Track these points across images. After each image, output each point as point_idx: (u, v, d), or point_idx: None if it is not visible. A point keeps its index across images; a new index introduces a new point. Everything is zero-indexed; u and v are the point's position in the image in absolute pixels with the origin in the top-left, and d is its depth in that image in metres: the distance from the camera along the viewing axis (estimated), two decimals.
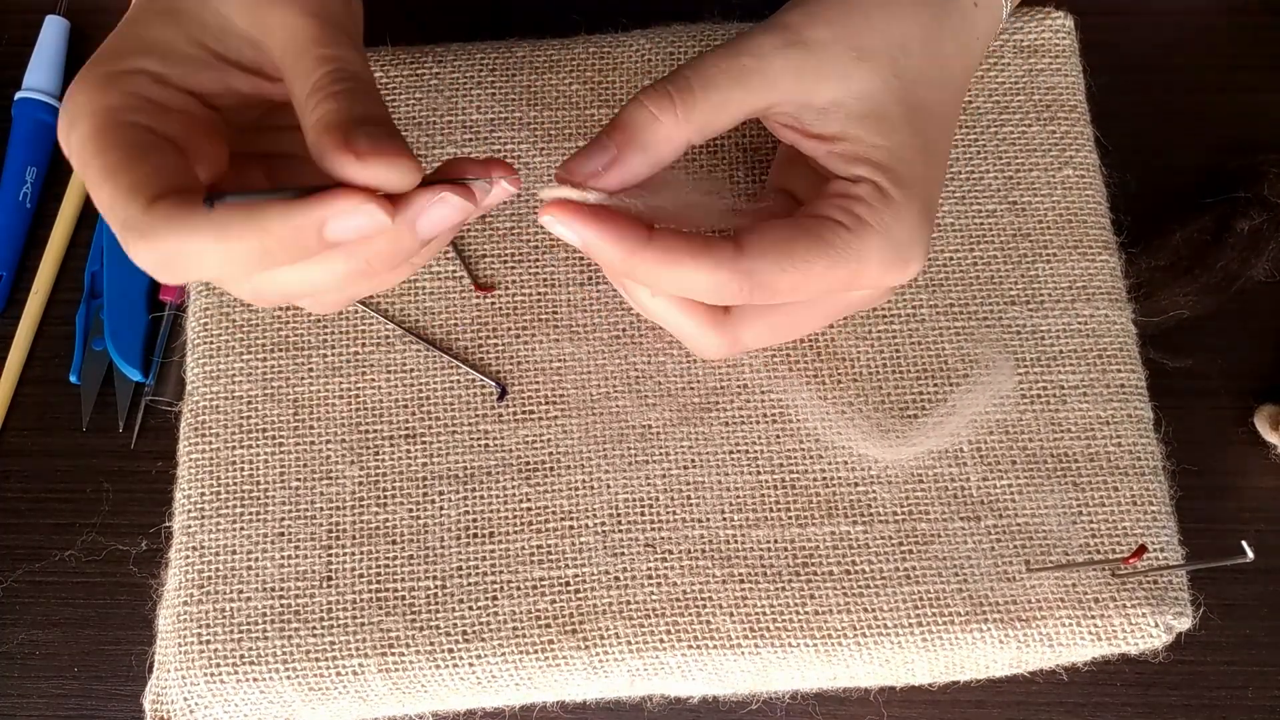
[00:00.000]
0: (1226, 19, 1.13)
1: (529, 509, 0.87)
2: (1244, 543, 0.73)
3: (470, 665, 0.84)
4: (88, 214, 1.10)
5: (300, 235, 0.65)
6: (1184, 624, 0.85)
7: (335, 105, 0.67)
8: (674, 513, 0.87)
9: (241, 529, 0.88)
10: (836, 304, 0.81)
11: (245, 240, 0.64)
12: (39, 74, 1.12)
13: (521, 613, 0.85)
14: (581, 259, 0.92)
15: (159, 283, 1.05)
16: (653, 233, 0.73)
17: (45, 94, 1.11)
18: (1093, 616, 0.84)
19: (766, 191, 0.86)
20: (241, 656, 0.85)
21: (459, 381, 0.90)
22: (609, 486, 0.88)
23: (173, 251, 0.65)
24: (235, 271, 0.67)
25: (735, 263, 0.73)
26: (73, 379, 1.05)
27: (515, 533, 0.87)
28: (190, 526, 0.88)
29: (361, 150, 0.65)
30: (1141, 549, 0.80)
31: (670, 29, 0.98)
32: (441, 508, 0.87)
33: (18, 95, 1.11)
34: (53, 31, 1.13)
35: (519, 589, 0.85)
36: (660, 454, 0.88)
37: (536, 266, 0.92)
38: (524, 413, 0.90)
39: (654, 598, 0.85)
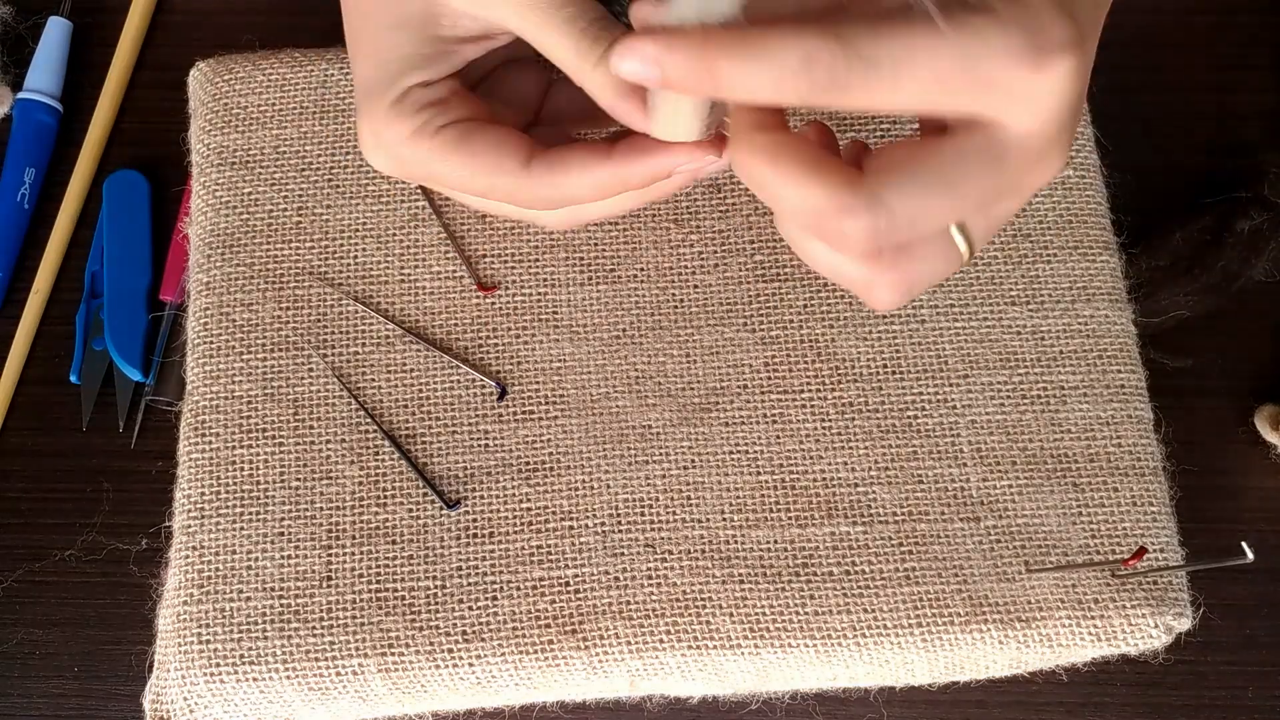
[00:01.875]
0: (1226, 19, 1.13)
1: (529, 509, 0.87)
2: (1244, 544, 0.73)
3: (470, 665, 0.84)
4: (88, 214, 1.10)
5: (649, 175, 0.73)
6: (1184, 624, 0.85)
7: (600, 78, 0.72)
8: (674, 513, 0.87)
9: (241, 529, 0.88)
10: (984, 164, 0.63)
11: (609, 187, 0.74)
12: (40, 75, 1.11)
13: (521, 613, 0.85)
14: (582, 259, 0.92)
15: (159, 283, 1.06)
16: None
17: (46, 95, 1.11)
18: (1093, 617, 0.84)
19: None
20: (241, 656, 0.85)
21: (459, 381, 0.90)
22: (609, 487, 0.88)
23: (565, 188, 0.75)
24: (603, 193, 0.75)
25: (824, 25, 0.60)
26: (73, 379, 1.05)
27: (515, 533, 0.87)
28: (190, 526, 0.88)
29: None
30: (1141, 551, 0.80)
31: None
32: (441, 508, 0.87)
33: (19, 96, 1.11)
34: (55, 32, 1.13)
35: (519, 589, 0.85)
36: (660, 454, 0.88)
37: (537, 266, 0.92)
38: (524, 413, 0.90)
39: (654, 598, 0.85)
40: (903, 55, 0.58)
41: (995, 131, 0.62)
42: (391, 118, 0.77)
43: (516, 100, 0.84)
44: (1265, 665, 0.97)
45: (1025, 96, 0.60)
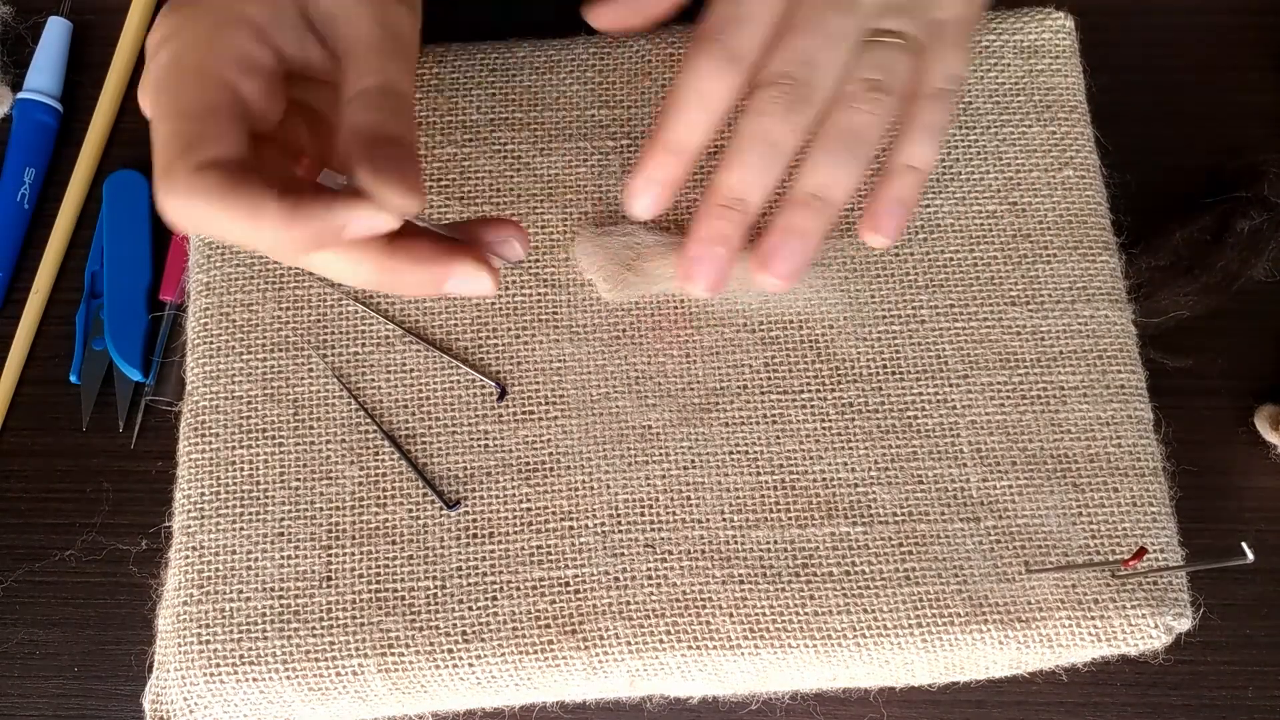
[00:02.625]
0: (1226, 19, 1.13)
1: (529, 509, 0.87)
2: (1244, 544, 0.72)
3: (470, 665, 0.84)
4: (87, 214, 1.10)
5: (324, 229, 0.70)
6: (1184, 625, 0.85)
7: (372, 118, 0.73)
8: (674, 513, 0.87)
9: (241, 529, 0.88)
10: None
11: (254, 221, 0.69)
12: (40, 75, 1.12)
13: (521, 613, 0.85)
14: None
15: (159, 283, 1.06)
16: None
17: (46, 95, 1.11)
18: (1093, 618, 0.84)
19: None
20: (241, 657, 0.85)
21: (459, 382, 0.90)
22: (609, 487, 0.88)
23: (195, 214, 0.69)
24: (237, 240, 0.72)
25: None
26: (73, 379, 1.05)
27: (515, 533, 0.87)
28: (190, 526, 0.88)
29: (379, 167, 0.70)
30: (1141, 551, 0.80)
31: (670, 30, 0.98)
32: (441, 508, 0.87)
33: (18, 96, 1.11)
34: (55, 32, 1.13)
35: (519, 589, 0.85)
36: (660, 454, 0.88)
37: (537, 267, 0.92)
38: (524, 413, 0.89)
39: (654, 598, 0.85)
40: None
41: None
42: (207, 21, 0.74)
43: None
44: (1265, 665, 0.97)
45: None
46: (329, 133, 0.79)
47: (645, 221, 0.89)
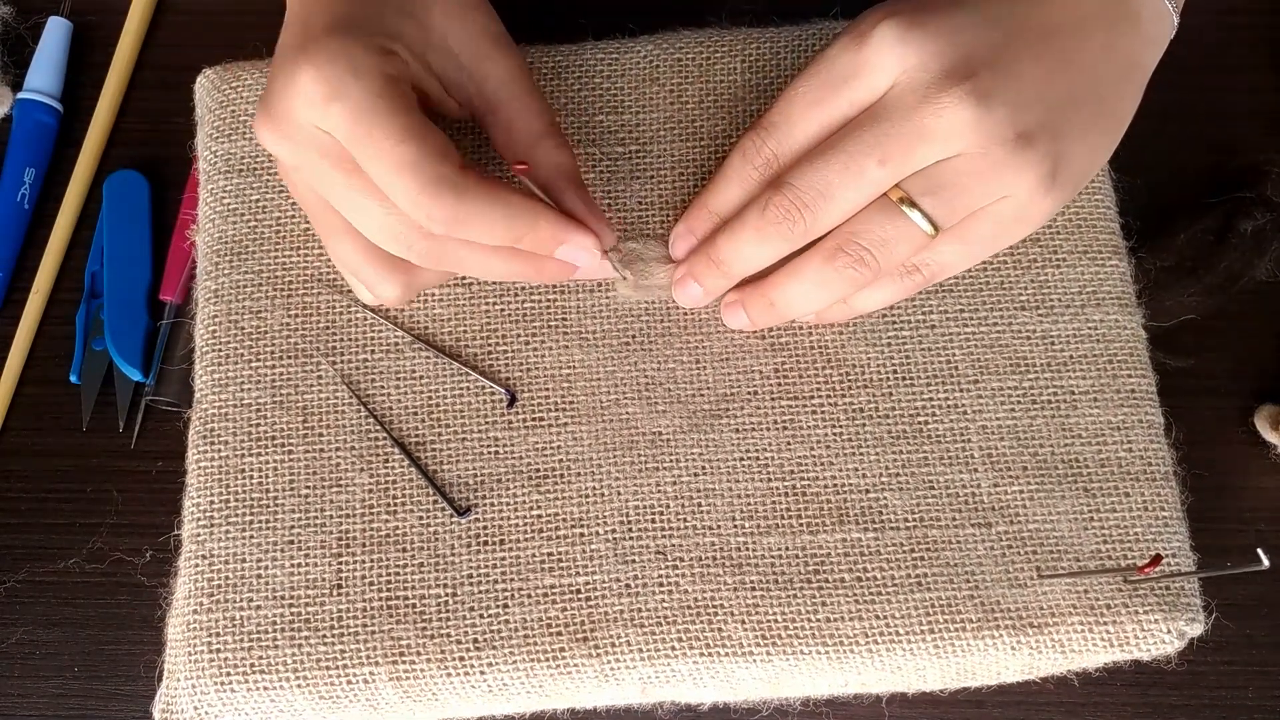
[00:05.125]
0: (1226, 19, 1.13)
1: (539, 516, 0.87)
2: (1260, 551, 0.72)
3: (481, 673, 0.84)
4: (87, 214, 1.10)
5: (546, 242, 0.80)
6: (1196, 630, 0.85)
7: (568, 158, 0.84)
8: (684, 520, 0.87)
9: (251, 537, 0.87)
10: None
11: (519, 225, 0.79)
12: (40, 75, 1.11)
13: (532, 620, 0.85)
14: None
15: (159, 282, 1.06)
16: None
17: (46, 95, 1.10)
18: (1105, 623, 0.84)
19: None
20: (252, 665, 0.84)
21: (468, 388, 0.90)
22: (619, 493, 0.87)
23: (475, 213, 0.77)
24: (493, 239, 0.79)
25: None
26: (73, 379, 1.05)
27: (526, 540, 0.87)
28: (199, 534, 0.88)
29: (595, 211, 0.84)
30: (1157, 559, 0.80)
31: (678, 35, 0.97)
32: (451, 515, 0.87)
33: (19, 96, 1.11)
34: (55, 32, 1.13)
35: (530, 596, 0.85)
36: (670, 461, 0.88)
37: None
38: (534, 419, 0.89)
39: (665, 605, 0.85)
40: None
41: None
42: (373, 49, 0.77)
43: None
44: (1265, 665, 0.98)
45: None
46: None
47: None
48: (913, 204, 0.79)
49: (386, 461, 0.88)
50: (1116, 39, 0.83)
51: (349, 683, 0.84)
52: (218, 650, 0.85)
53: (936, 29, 0.78)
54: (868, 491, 0.87)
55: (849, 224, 0.81)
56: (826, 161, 0.80)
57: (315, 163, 0.78)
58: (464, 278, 0.92)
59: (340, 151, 0.77)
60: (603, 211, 0.86)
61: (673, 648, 0.84)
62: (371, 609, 0.85)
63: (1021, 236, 0.83)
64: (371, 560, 0.86)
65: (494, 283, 0.92)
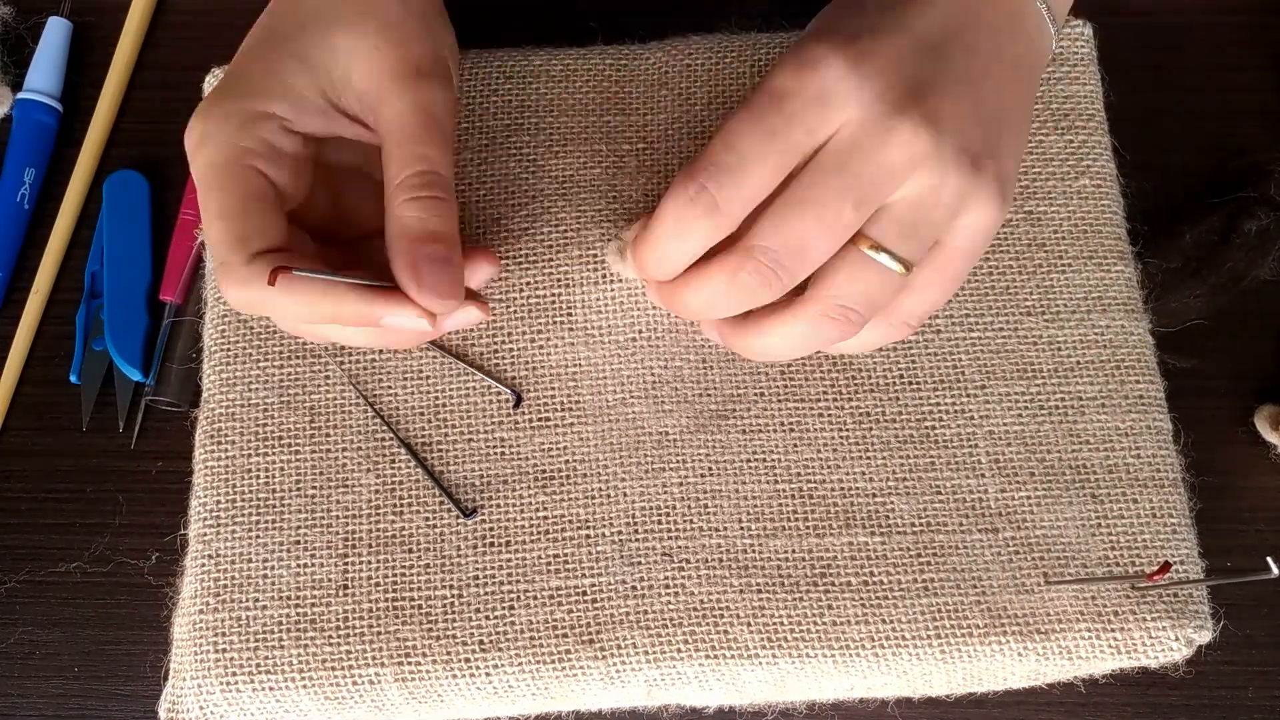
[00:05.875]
0: (1226, 19, 1.14)
1: (545, 517, 0.87)
2: (1270, 559, 0.72)
3: (487, 675, 0.84)
4: (87, 214, 1.10)
5: (363, 317, 0.80)
6: (1204, 637, 0.85)
7: (416, 214, 0.80)
8: (691, 521, 0.87)
9: (257, 537, 0.87)
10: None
11: (319, 308, 0.79)
12: (40, 75, 1.11)
13: (538, 622, 0.85)
14: (598, 264, 0.92)
15: (159, 282, 1.06)
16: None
17: (46, 95, 1.10)
18: (1112, 630, 0.84)
19: None
20: (258, 665, 0.84)
21: (475, 388, 0.90)
22: (625, 495, 0.87)
23: (258, 300, 0.78)
24: (300, 321, 0.82)
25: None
26: (73, 379, 1.05)
27: (532, 541, 0.87)
28: (206, 534, 0.88)
29: (424, 280, 0.79)
30: (1165, 566, 0.80)
31: (687, 40, 0.97)
32: (458, 516, 0.87)
33: (19, 96, 1.11)
34: (55, 32, 1.13)
35: (535, 598, 0.85)
36: (677, 462, 0.88)
37: (551, 267, 0.91)
38: (540, 420, 0.89)
39: (671, 607, 0.85)
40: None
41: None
42: (232, 120, 0.80)
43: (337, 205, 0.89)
44: (1265, 665, 0.98)
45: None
46: (361, 184, 0.88)
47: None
48: (880, 248, 0.77)
49: (393, 462, 0.88)
50: (1021, 52, 0.83)
51: (354, 683, 0.84)
52: (224, 650, 0.85)
53: (885, 58, 0.76)
54: (874, 495, 0.87)
55: (825, 286, 0.78)
56: (800, 216, 0.76)
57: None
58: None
59: None
60: (457, 275, 0.82)
61: (678, 650, 0.84)
62: (377, 610, 0.85)
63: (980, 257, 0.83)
64: (378, 561, 0.86)
65: (499, 280, 0.92)
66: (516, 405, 0.89)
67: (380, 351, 0.91)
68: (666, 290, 0.83)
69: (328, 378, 0.90)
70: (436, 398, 0.90)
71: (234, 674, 0.84)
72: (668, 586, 0.85)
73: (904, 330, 0.84)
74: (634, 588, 0.85)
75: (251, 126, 0.80)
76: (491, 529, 0.87)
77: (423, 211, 0.80)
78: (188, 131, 0.80)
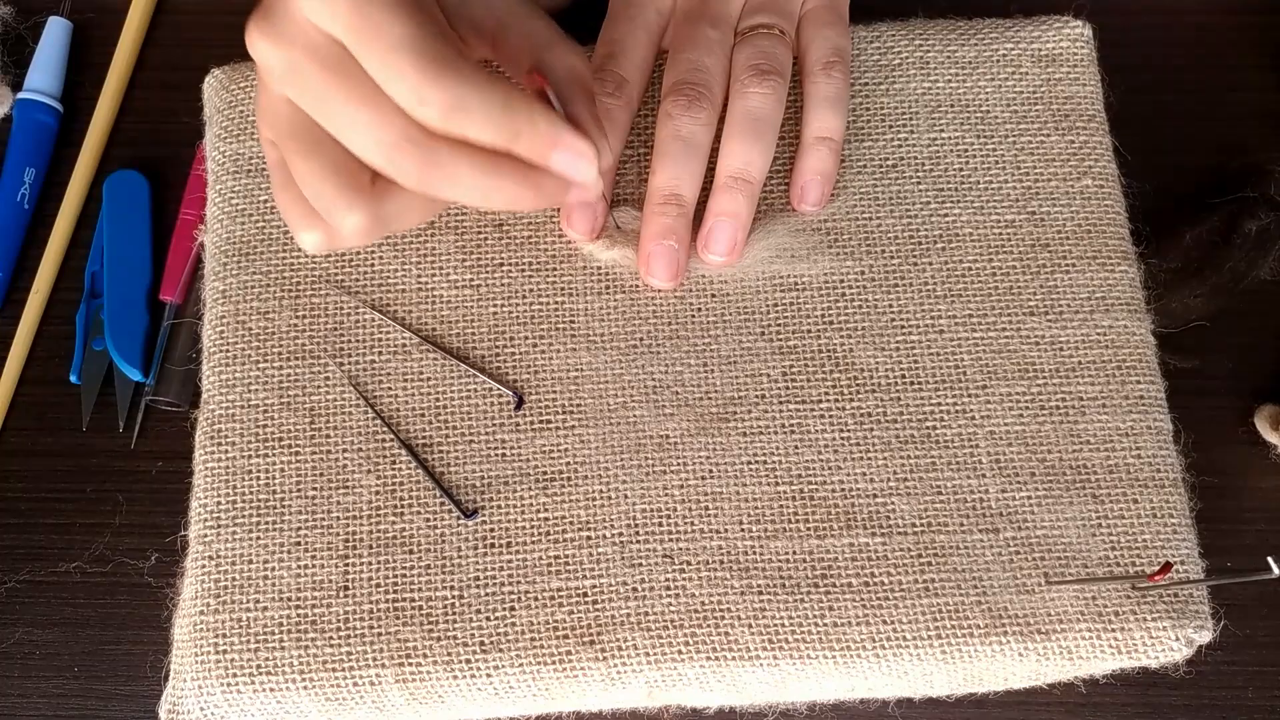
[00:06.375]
0: (1226, 19, 1.14)
1: (546, 519, 0.87)
2: (1270, 560, 0.72)
3: (488, 676, 0.84)
4: (87, 214, 1.10)
5: (544, 141, 0.73)
6: (1205, 637, 0.84)
7: (582, 63, 0.80)
8: (692, 523, 0.87)
9: (258, 538, 0.87)
10: None
11: (517, 117, 0.72)
12: (40, 75, 1.11)
13: (539, 623, 0.85)
14: (599, 268, 0.92)
15: (159, 282, 1.06)
16: None
17: (46, 95, 1.10)
18: (1113, 630, 0.84)
19: None
20: (258, 667, 0.84)
21: (476, 390, 0.90)
22: (626, 497, 0.87)
23: (474, 98, 0.71)
24: (489, 132, 0.72)
25: None
26: (73, 379, 1.05)
27: (533, 543, 0.87)
28: (206, 535, 0.88)
29: (592, 121, 0.79)
30: (1167, 566, 0.80)
31: None
32: (459, 517, 0.87)
33: (19, 96, 1.11)
34: (55, 32, 1.13)
35: (536, 600, 0.85)
36: (678, 464, 0.88)
37: (554, 275, 0.92)
38: (541, 422, 0.89)
39: (672, 609, 0.85)
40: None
41: None
42: None
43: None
44: (1265, 665, 0.98)
45: None
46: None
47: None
48: (751, 30, 0.94)
49: (394, 463, 0.88)
50: None
51: (355, 685, 0.84)
52: (224, 651, 0.85)
53: None
54: (875, 496, 0.87)
55: (735, 69, 0.93)
56: (679, 51, 0.93)
57: (307, 67, 0.73)
58: (471, 280, 0.92)
59: (338, 54, 0.72)
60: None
61: (679, 652, 0.84)
62: (378, 611, 0.85)
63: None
64: (378, 562, 0.86)
65: (502, 284, 0.92)
66: (518, 407, 0.89)
67: (380, 353, 0.91)
68: (650, 195, 0.91)
69: (328, 379, 0.90)
70: (437, 399, 0.90)
71: (234, 675, 0.84)
72: (668, 588, 0.85)
73: (835, 73, 0.94)
74: (635, 589, 0.85)
75: None
76: (492, 530, 0.87)
77: (584, 61, 0.81)
78: None
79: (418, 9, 0.72)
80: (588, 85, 0.81)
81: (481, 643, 0.84)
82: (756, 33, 0.93)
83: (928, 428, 0.89)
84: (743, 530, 0.86)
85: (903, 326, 0.91)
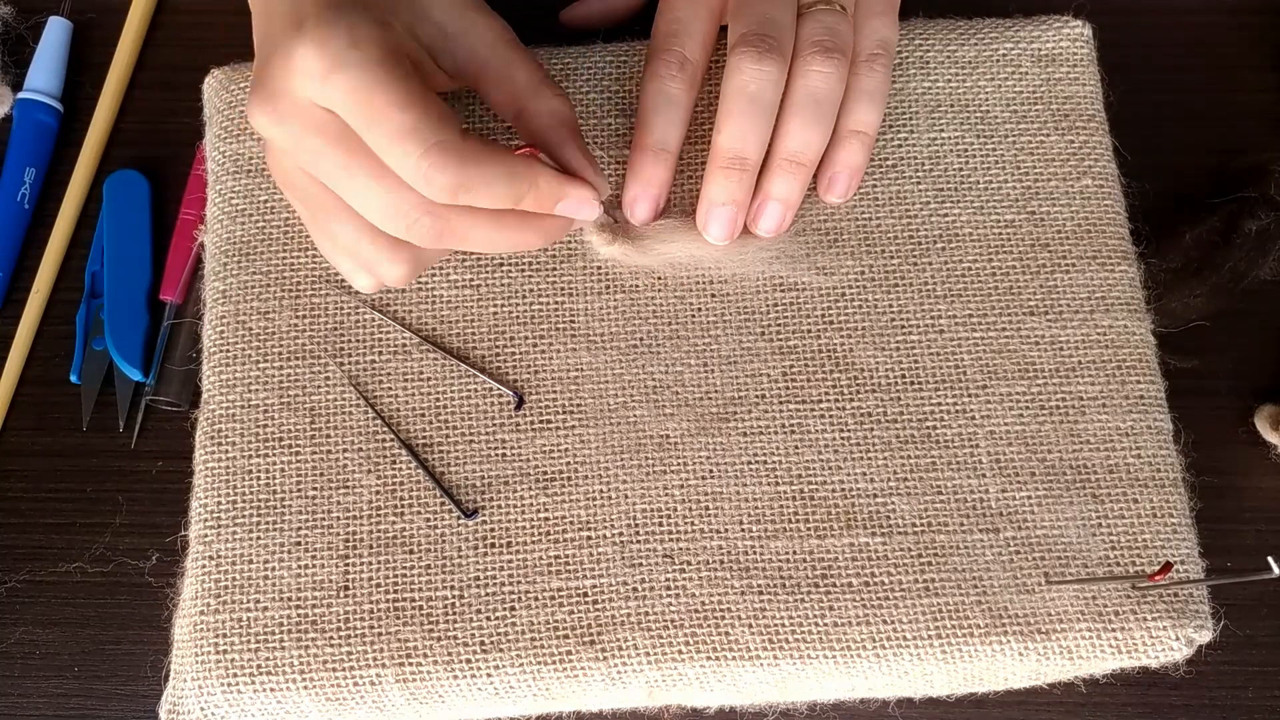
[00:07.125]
0: (1226, 19, 1.14)
1: (546, 519, 0.87)
2: (1270, 560, 0.72)
3: (488, 676, 0.84)
4: (87, 214, 1.10)
5: (547, 198, 0.81)
6: (1205, 637, 0.85)
7: (565, 106, 0.86)
8: (692, 523, 0.87)
9: (258, 538, 0.87)
10: None
11: (520, 183, 0.79)
12: (40, 75, 1.11)
13: (539, 623, 0.85)
14: (600, 268, 0.92)
15: (159, 282, 1.06)
16: None
17: (46, 95, 1.10)
18: (1113, 630, 0.84)
19: None
20: (259, 667, 0.84)
21: (476, 390, 0.90)
22: (626, 497, 0.87)
23: (477, 176, 0.76)
24: (496, 201, 0.79)
25: None
26: (73, 379, 1.05)
27: (533, 543, 0.87)
28: (206, 535, 0.88)
29: (593, 161, 0.85)
30: (1167, 566, 0.80)
31: None
32: (459, 517, 0.87)
33: (19, 96, 1.10)
34: (55, 32, 1.13)
35: (537, 599, 0.85)
36: (678, 464, 0.88)
37: (555, 275, 0.92)
38: (541, 422, 0.89)
39: (672, 609, 0.85)
40: None
41: None
42: (375, 21, 0.76)
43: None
44: (1265, 665, 0.98)
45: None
46: None
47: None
48: (815, 4, 0.90)
49: (394, 463, 0.88)
50: None
51: (355, 685, 0.84)
52: (224, 651, 0.85)
53: None
54: (875, 496, 0.87)
55: (801, 39, 0.89)
56: (747, 5, 0.89)
57: (313, 143, 0.77)
58: (471, 280, 0.92)
59: (340, 129, 0.76)
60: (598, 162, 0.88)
61: (679, 651, 0.84)
62: (378, 611, 0.85)
63: None
64: (379, 562, 0.86)
65: (502, 284, 0.92)
66: (518, 407, 0.89)
67: (380, 353, 0.91)
68: (714, 154, 0.90)
69: (328, 379, 0.90)
70: (437, 399, 0.90)
71: (235, 675, 0.84)
72: (669, 588, 0.85)
73: (879, 66, 0.92)
74: (635, 589, 0.85)
75: (390, 27, 0.78)
76: (493, 530, 0.87)
77: (567, 104, 0.86)
78: (303, 59, 0.75)
79: (413, 88, 0.75)
80: (573, 126, 0.85)
81: (482, 643, 0.84)
82: (820, 7, 0.90)
83: (928, 428, 0.89)
84: (743, 530, 0.86)
85: (903, 326, 0.91)
